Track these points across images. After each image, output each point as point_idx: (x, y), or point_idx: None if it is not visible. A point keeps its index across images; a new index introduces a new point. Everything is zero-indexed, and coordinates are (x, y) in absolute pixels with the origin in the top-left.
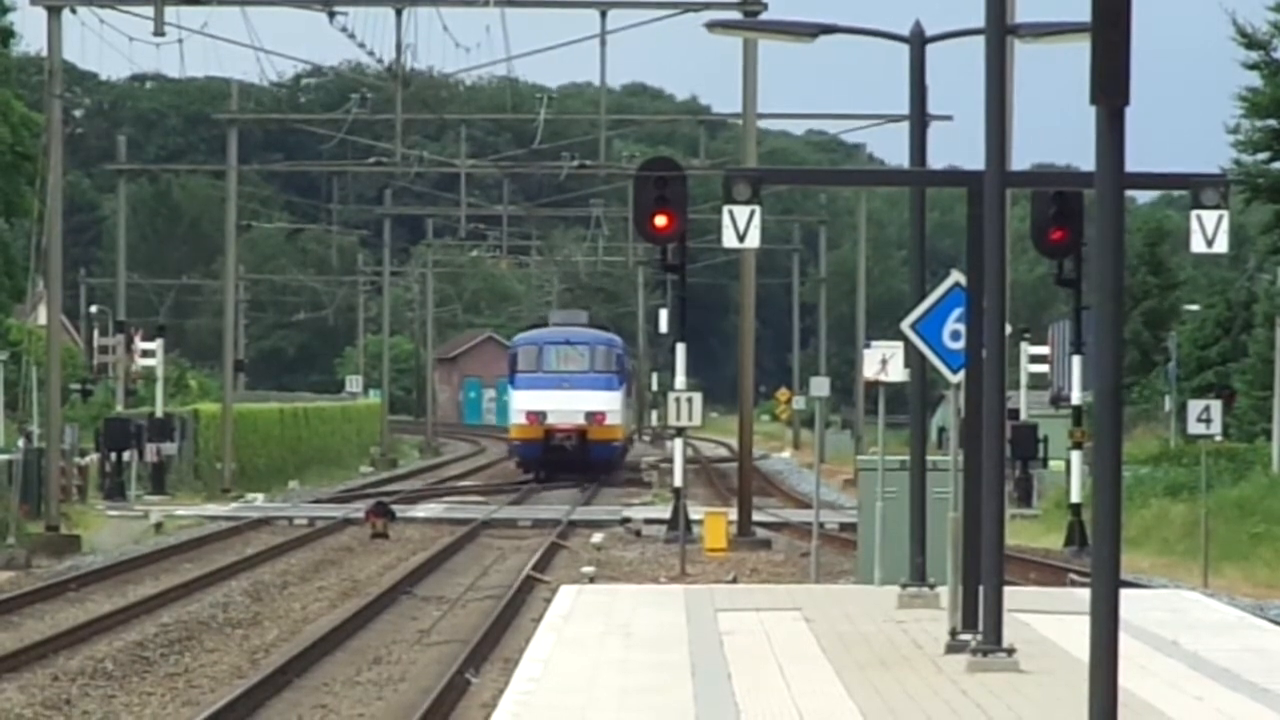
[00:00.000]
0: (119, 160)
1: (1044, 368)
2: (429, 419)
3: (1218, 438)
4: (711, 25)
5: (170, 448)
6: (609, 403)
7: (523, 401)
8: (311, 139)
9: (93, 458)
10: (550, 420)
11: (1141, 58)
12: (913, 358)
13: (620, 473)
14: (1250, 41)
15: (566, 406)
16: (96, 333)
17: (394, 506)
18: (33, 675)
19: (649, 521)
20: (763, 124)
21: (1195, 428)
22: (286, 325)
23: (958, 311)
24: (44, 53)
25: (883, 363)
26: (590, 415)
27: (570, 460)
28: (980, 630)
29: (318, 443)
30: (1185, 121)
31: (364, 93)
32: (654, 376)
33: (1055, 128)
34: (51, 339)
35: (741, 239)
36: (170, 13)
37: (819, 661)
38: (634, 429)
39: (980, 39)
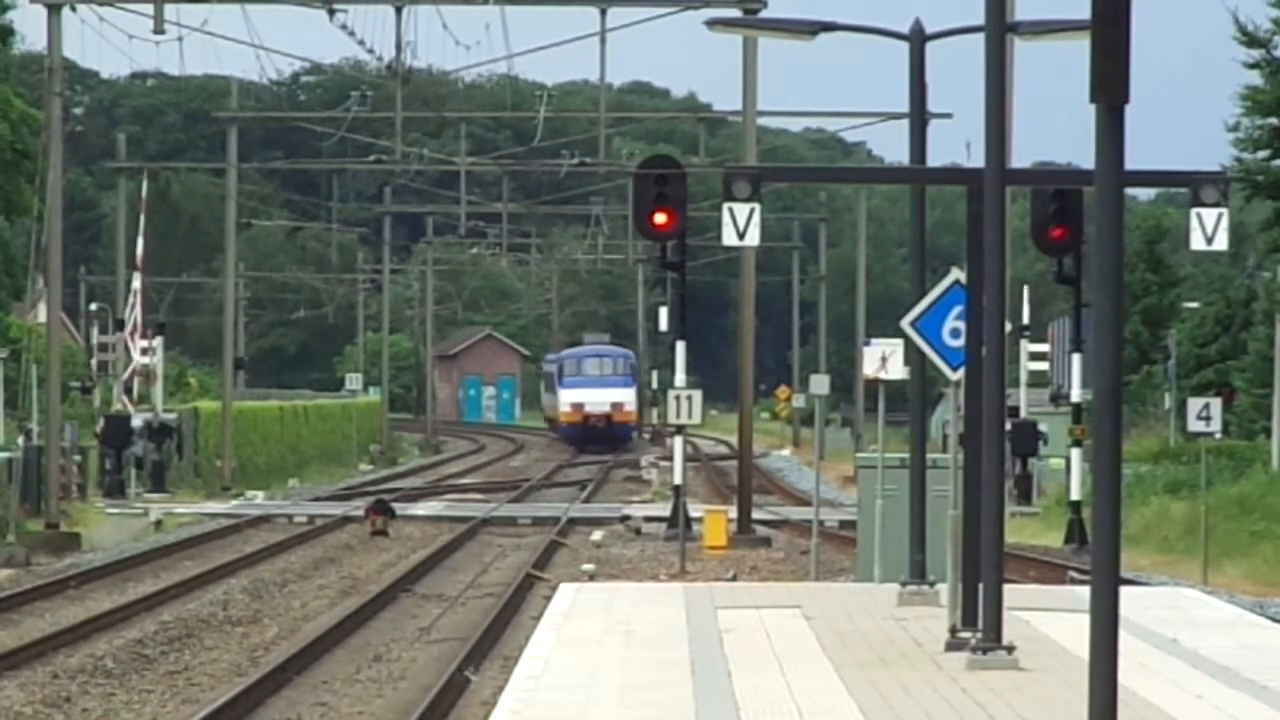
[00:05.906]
0: (119, 158)
1: (1044, 365)
2: (429, 417)
3: (1217, 435)
4: (711, 23)
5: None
6: (627, 397)
7: (568, 397)
8: (311, 137)
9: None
10: (587, 409)
11: (1142, 56)
12: (912, 355)
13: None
14: (1251, 40)
15: (598, 399)
16: (96, 331)
17: (394, 504)
18: (33, 673)
19: (649, 519)
20: (762, 121)
21: (1195, 425)
22: (286, 323)
23: (957, 309)
24: (44, 50)
25: (882, 360)
26: (614, 405)
27: (601, 437)
28: (980, 628)
29: (317, 440)
30: (1185, 119)
31: (364, 90)
32: (654, 374)
33: (1055, 126)
34: (51, 337)
35: (741, 236)
36: (170, 10)
37: (819, 659)
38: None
39: (980, 37)
